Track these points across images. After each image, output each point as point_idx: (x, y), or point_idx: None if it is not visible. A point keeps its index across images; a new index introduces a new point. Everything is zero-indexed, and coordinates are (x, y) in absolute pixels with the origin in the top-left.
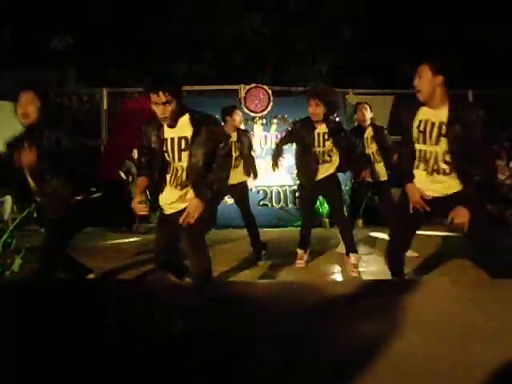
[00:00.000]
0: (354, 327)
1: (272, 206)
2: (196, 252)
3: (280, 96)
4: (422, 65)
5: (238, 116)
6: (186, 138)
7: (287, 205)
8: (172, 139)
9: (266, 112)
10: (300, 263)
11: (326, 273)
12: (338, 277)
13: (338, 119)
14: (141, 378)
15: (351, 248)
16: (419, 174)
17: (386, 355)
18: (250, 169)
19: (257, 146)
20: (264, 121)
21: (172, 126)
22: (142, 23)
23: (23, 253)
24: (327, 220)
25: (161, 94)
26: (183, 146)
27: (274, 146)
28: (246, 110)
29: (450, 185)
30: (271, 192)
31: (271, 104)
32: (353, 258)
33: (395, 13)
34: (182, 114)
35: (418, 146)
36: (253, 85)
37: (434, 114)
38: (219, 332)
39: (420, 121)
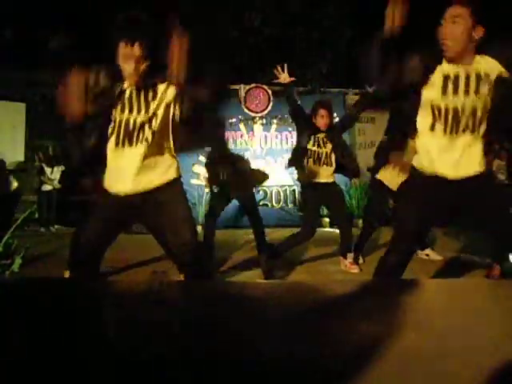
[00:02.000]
0: (353, 327)
1: (272, 206)
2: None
3: (280, 96)
4: (458, 6)
5: None
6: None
7: (287, 205)
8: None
9: (265, 112)
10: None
11: (326, 273)
12: (338, 277)
13: (337, 119)
14: (140, 378)
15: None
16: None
17: (386, 355)
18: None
19: (257, 146)
20: (264, 121)
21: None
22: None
23: (23, 253)
24: (327, 220)
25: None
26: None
27: (274, 146)
28: (246, 109)
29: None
30: (271, 192)
31: (271, 104)
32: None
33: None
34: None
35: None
36: (253, 85)
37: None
38: (219, 332)
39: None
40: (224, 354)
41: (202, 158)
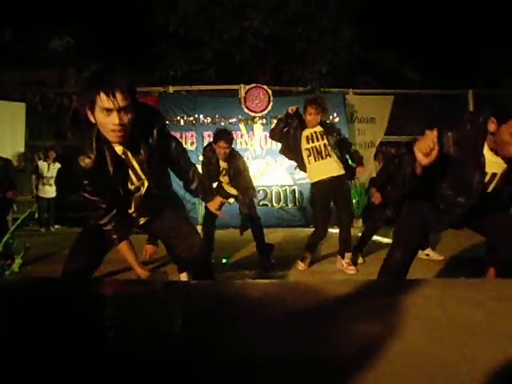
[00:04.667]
0: (353, 327)
1: (272, 206)
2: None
3: (280, 96)
4: None
5: (219, 148)
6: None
7: (287, 205)
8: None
9: (265, 112)
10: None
11: (326, 273)
12: (338, 277)
13: (337, 119)
14: (140, 378)
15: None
16: None
17: (386, 355)
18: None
19: (257, 146)
20: (264, 121)
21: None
22: (142, 23)
23: (23, 253)
24: None
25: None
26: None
27: (274, 146)
28: (246, 109)
29: None
30: (271, 192)
31: (271, 104)
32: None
33: (395, 13)
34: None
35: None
36: (253, 85)
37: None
38: (219, 332)
39: None
40: (224, 354)
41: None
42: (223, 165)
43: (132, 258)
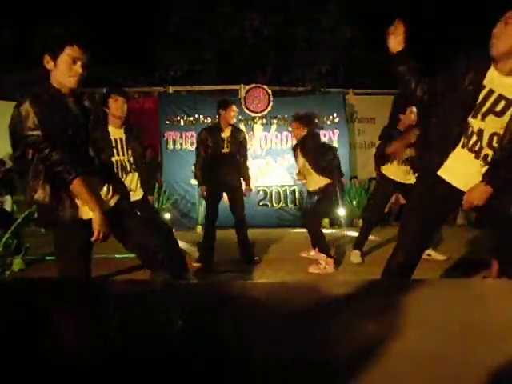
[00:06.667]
0: (354, 327)
1: (272, 206)
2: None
3: (280, 96)
4: None
5: (232, 112)
6: None
7: (287, 205)
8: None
9: (266, 112)
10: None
11: (326, 273)
12: (338, 277)
13: (337, 119)
14: (140, 378)
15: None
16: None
17: (386, 355)
18: (240, 172)
19: (257, 146)
20: (264, 121)
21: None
22: (142, 23)
23: (23, 253)
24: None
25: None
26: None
27: (274, 146)
28: (246, 109)
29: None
30: (271, 192)
31: (271, 104)
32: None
33: (395, 13)
34: None
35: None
36: (253, 85)
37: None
38: (219, 332)
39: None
40: (224, 354)
41: None
42: (227, 133)
43: (87, 197)
